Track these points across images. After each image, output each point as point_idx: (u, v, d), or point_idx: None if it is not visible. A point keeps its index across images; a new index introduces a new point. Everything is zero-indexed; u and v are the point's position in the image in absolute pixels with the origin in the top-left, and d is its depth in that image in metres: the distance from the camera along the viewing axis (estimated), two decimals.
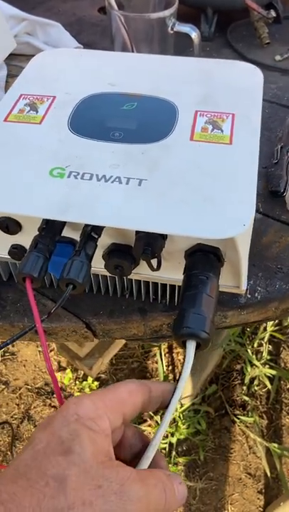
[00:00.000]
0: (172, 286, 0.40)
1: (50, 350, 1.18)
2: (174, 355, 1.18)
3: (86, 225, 0.33)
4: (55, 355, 1.18)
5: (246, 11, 0.75)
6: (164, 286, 0.40)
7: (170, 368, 1.16)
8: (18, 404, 1.12)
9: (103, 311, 0.41)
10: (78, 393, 1.12)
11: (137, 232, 0.33)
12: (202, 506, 0.98)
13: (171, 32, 0.59)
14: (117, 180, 0.34)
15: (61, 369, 1.16)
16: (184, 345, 0.30)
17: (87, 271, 0.32)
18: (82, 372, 1.14)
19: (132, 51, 0.60)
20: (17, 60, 0.64)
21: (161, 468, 0.27)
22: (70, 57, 0.48)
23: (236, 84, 0.43)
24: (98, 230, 0.33)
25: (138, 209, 0.32)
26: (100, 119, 0.39)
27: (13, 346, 1.21)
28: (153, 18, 0.57)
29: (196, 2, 0.76)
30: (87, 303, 0.41)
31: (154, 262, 0.35)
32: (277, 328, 1.20)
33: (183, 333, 0.30)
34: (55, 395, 1.13)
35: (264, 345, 1.18)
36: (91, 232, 0.33)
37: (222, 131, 0.38)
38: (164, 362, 1.16)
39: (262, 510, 0.98)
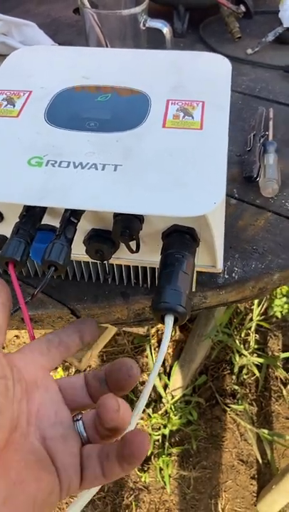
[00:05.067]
0: (152, 270, 0.41)
1: None
2: None
3: (65, 211, 0.35)
4: None
5: (218, 6, 0.77)
6: (144, 270, 0.41)
7: None
8: None
9: (87, 296, 0.42)
10: None
11: (115, 216, 0.35)
12: (197, 495, 1.00)
13: (144, 28, 0.61)
14: (93, 166, 0.35)
15: None
16: (162, 320, 0.32)
17: (68, 253, 0.33)
18: (74, 370, 1.15)
19: (107, 48, 0.61)
20: None
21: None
22: (45, 54, 0.49)
23: (205, 73, 0.44)
24: (77, 214, 0.35)
25: (114, 193, 0.34)
26: (76, 110, 0.41)
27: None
28: (125, 15, 0.59)
29: (168, 0, 0.78)
30: (71, 290, 0.43)
31: (133, 244, 0.37)
32: (263, 317, 1.22)
33: (161, 308, 0.32)
34: None
35: (251, 334, 1.20)
36: (70, 217, 0.34)
37: (193, 117, 0.39)
38: (154, 356, 1.17)
39: (255, 495, 1.00)
